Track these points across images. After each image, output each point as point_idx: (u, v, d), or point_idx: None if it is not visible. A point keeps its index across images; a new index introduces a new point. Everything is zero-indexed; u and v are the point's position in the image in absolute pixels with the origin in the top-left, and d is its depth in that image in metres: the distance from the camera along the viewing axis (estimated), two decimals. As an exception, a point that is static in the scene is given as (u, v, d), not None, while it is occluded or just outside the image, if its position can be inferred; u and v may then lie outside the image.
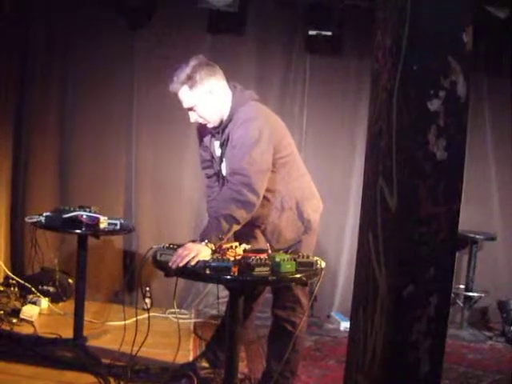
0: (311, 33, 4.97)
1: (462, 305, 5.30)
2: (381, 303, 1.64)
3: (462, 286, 5.32)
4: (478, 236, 5.19)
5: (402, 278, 1.60)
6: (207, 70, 3.18)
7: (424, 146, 1.58)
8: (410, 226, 1.60)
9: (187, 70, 3.14)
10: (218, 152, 3.34)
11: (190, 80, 3.13)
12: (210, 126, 3.28)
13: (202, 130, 3.41)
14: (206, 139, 3.43)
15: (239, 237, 3.22)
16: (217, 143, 3.34)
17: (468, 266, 5.28)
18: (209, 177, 3.56)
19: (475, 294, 5.27)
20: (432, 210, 1.59)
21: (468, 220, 5.01)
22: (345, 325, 4.99)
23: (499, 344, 5.02)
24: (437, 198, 1.59)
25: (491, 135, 5.41)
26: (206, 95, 3.17)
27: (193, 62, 3.17)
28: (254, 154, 3.04)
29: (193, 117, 3.26)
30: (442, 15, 1.57)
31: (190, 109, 3.23)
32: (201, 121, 3.27)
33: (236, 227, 2.98)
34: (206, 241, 2.81)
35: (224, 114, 3.23)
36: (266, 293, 3.66)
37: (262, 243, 3.27)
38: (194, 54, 4.88)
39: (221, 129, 3.26)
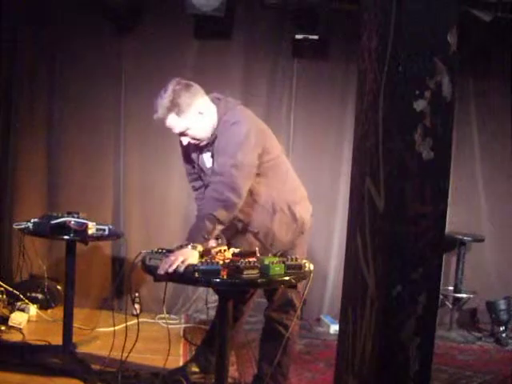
0: (298, 37, 4.97)
1: (450, 306, 5.32)
2: (370, 303, 1.65)
3: (451, 288, 5.34)
4: (466, 237, 5.22)
5: (391, 278, 1.60)
6: (189, 92, 3.13)
7: (410, 146, 1.59)
8: (398, 225, 1.61)
9: (169, 98, 3.07)
10: (208, 164, 3.31)
11: (176, 107, 3.07)
12: (203, 143, 3.24)
13: (187, 146, 3.35)
14: (194, 155, 3.38)
15: (234, 243, 3.21)
16: (207, 155, 3.31)
17: (456, 267, 5.30)
18: (196, 189, 3.56)
19: (464, 296, 5.30)
20: (419, 209, 1.60)
21: (456, 221, 5.05)
22: (334, 328, 5.00)
23: (488, 345, 5.04)
24: (424, 198, 1.60)
25: (478, 137, 5.44)
26: (197, 117, 3.14)
27: (173, 87, 3.10)
28: (239, 156, 3.05)
29: (186, 140, 3.21)
30: (426, 16, 1.58)
31: (182, 134, 3.18)
32: (193, 142, 3.22)
33: (219, 227, 2.97)
34: (192, 244, 2.81)
35: (214, 127, 3.21)
36: (257, 297, 3.66)
37: (256, 247, 3.26)
38: (180, 59, 4.97)
39: (211, 141, 3.23)
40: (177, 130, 3.16)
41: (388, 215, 1.62)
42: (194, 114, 3.12)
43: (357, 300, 1.74)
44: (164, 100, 3.08)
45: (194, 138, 3.20)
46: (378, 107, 1.64)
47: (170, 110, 3.08)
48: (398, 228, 1.61)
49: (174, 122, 3.12)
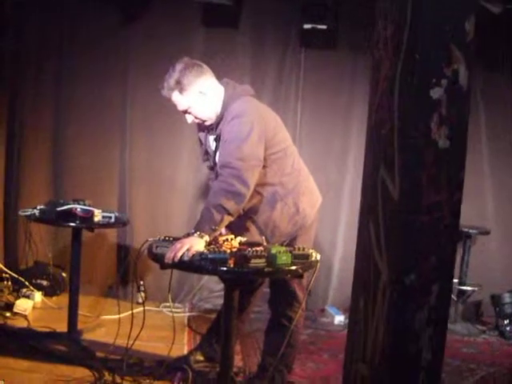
0: (306, 26, 4.95)
1: (455, 299, 5.30)
2: (382, 292, 1.64)
3: (456, 280, 5.32)
4: (471, 230, 5.19)
5: (404, 267, 1.59)
6: (194, 71, 3.23)
7: (426, 134, 1.57)
8: (412, 214, 1.60)
9: (175, 76, 3.20)
10: (213, 146, 3.37)
11: (179, 85, 3.19)
12: (207, 123, 3.33)
13: (199, 126, 3.46)
14: (201, 134, 3.47)
15: (232, 229, 3.23)
16: (211, 137, 3.37)
17: (461, 260, 5.28)
18: (210, 169, 3.57)
19: (469, 288, 5.28)
20: (434, 198, 1.59)
21: (462, 214, 5.01)
22: (339, 318, 5.02)
23: (493, 338, 5.04)
24: (439, 187, 1.59)
25: (485, 129, 5.42)
26: (198, 96, 3.23)
27: (179, 66, 3.22)
28: (244, 149, 3.06)
29: (189, 118, 3.32)
30: (444, 3, 1.56)
31: (185, 111, 3.29)
32: (197, 121, 3.33)
33: (228, 218, 2.97)
34: (199, 232, 2.81)
35: (218, 110, 3.27)
36: (264, 287, 3.66)
37: (255, 235, 3.27)
38: (188, 47, 4.95)
39: (214, 124, 3.29)
40: (180, 108, 3.29)
41: (402, 204, 1.61)
42: (195, 93, 3.22)
43: (369, 288, 1.73)
44: (170, 78, 3.22)
45: (197, 117, 3.30)
46: (394, 95, 1.63)
47: (173, 88, 3.22)
48: (413, 216, 1.60)
49: (177, 100, 3.26)
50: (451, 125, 1.58)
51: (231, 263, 2.64)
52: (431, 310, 1.61)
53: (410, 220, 1.60)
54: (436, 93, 1.57)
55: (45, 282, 4.83)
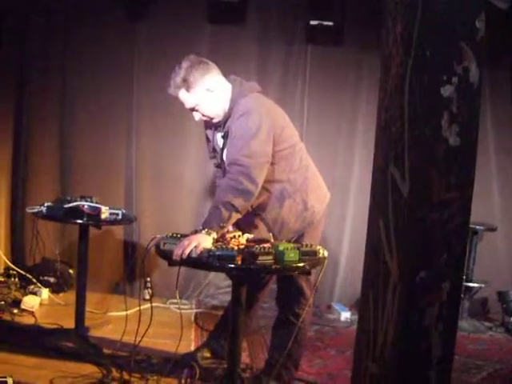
0: (312, 23, 4.95)
1: (462, 295, 5.29)
2: (392, 289, 1.64)
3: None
4: (478, 227, 5.17)
5: (415, 264, 1.60)
6: (200, 69, 3.23)
7: (437, 131, 1.57)
8: (423, 212, 1.60)
9: (181, 74, 3.20)
10: (220, 143, 3.37)
11: (186, 83, 3.20)
12: (215, 121, 3.33)
13: (206, 123, 3.46)
14: (209, 131, 3.47)
15: (241, 226, 3.23)
16: (219, 134, 3.37)
17: (468, 256, 5.26)
18: (217, 166, 3.57)
19: (475, 285, 5.26)
20: (445, 195, 1.59)
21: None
22: (345, 315, 5.01)
23: (499, 334, 5.03)
24: (449, 184, 1.59)
25: (492, 127, 5.39)
26: (205, 94, 3.23)
27: (185, 64, 3.23)
28: (253, 146, 3.06)
29: (197, 116, 3.33)
30: (454, 1, 1.56)
31: (193, 109, 3.29)
32: (205, 119, 3.34)
33: (236, 216, 2.98)
34: (206, 229, 2.82)
35: (226, 107, 3.27)
36: (272, 283, 3.66)
37: (263, 232, 3.27)
38: (194, 44, 4.95)
39: (222, 121, 3.29)
40: (187, 106, 3.29)
41: (413, 201, 1.61)
42: (202, 90, 3.22)
43: (379, 285, 1.73)
44: (177, 76, 3.23)
45: (204, 115, 3.31)
46: (404, 92, 1.63)
47: (180, 86, 3.22)
48: (423, 214, 1.60)
49: (184, 98, 3.26)
50: (462, 122, 1.59)
51: (239, 260, 2.65)
52: (442, 306, 1.61)
53: (420, 217, 1.60)
54: (447, 90, 1.57)
55: (52, 279, 4.84)
